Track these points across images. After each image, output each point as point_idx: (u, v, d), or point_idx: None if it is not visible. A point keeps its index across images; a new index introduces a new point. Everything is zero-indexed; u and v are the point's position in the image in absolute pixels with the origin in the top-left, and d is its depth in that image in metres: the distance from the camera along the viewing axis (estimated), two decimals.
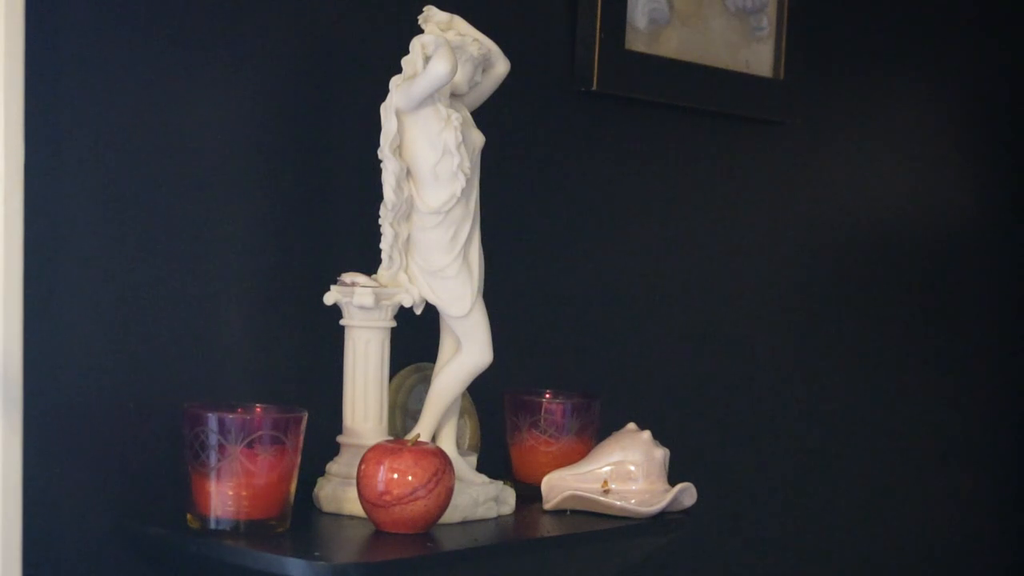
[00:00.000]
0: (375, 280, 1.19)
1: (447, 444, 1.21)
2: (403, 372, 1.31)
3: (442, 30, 1.19)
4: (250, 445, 1.08)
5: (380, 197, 1.18)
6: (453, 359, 1.21)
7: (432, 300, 1.20)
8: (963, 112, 2.19)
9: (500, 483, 1.24)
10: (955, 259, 2.19)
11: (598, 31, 1.55)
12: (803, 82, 1.81)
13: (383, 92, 1.17)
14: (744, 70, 1.74)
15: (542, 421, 1.33)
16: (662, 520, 1.26)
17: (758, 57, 1.76)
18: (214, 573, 1.13)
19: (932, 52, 2.11)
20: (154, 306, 1.20)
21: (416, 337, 1.24)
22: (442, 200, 1.17)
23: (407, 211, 1.18)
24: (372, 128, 1.17)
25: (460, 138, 1.16)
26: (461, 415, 1.28)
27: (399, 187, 1.17)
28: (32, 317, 1.10)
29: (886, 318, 2.07)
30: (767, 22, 1.77)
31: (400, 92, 1.16)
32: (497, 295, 1.25)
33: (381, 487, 1.10)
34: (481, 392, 1.29)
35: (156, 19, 1.19)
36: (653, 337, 1.68)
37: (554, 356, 1.56)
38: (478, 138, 1.20)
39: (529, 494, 1.29)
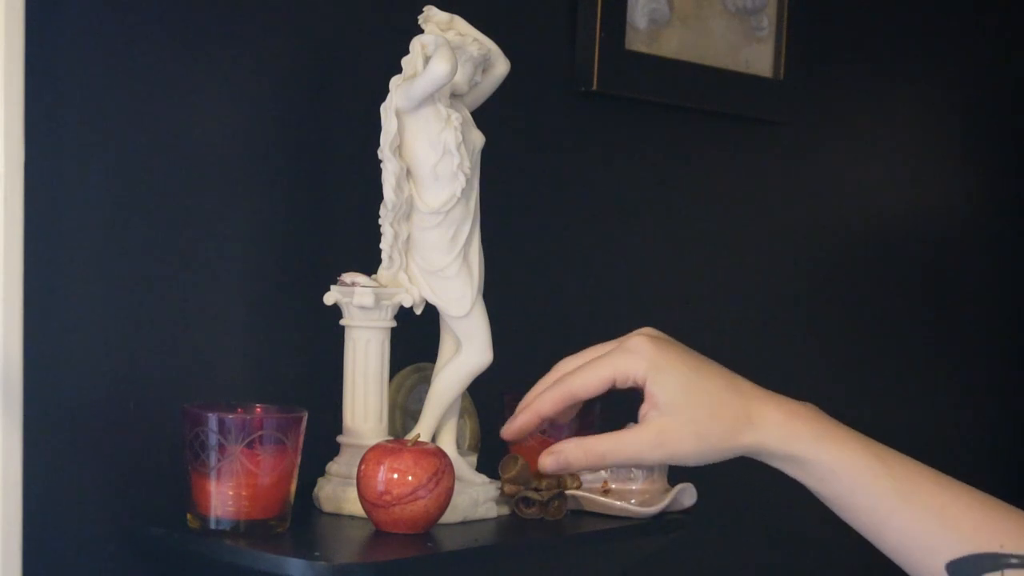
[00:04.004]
0: (375, 280, 1.19)
1: (447, 444, 1.21)
2: (403, 372, 1.31)
3: (442, 30, 1.19)
4: (250, 445, 1.08)
5: (380, 197, 1.18)
6: (453, 359, 1.21)
7: (432, 300, 1.20)
8: (963, 112, 2.19)
9: (500, 483, 1.24)
10: (955, 259, 2.19)
11: (598, 31, 1.55)
12: (803, 82, 1.81)
13: (383, 92, 1.16)
14: (744, 70, 1.74)
15: None
16: (662, 520, 1.26)
17: (758, 57, 1.76)
18: (214, 573, 1.13)
19: (932, 52, 2.11)
20: (154, 306, 1.20)
21: (416, 337, 1.24)
22: (442, 200, 1.17)
23: (407, 211, 1.18)
24: (372, 128, 1.17)
25: (460, 138, 1.16)
26: (461, 415, 1.27)
27: (399, 187, 1.17)
28: (32, 317, 1.10)
29: (886, 318, 2.07)
30: (767, 22, 1.77)
31: (400, 92, 1.16)
32: (497, 295, 1.25)
33: (381, 487, 1.10)
34: (481, 392, 1.29)
35: (156, 19, 1.19)
36: None
37: (554, 356, 1.55)
38: (478, 138, 1.20)
39: None
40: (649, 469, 1.27)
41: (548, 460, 1.11)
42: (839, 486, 1.03)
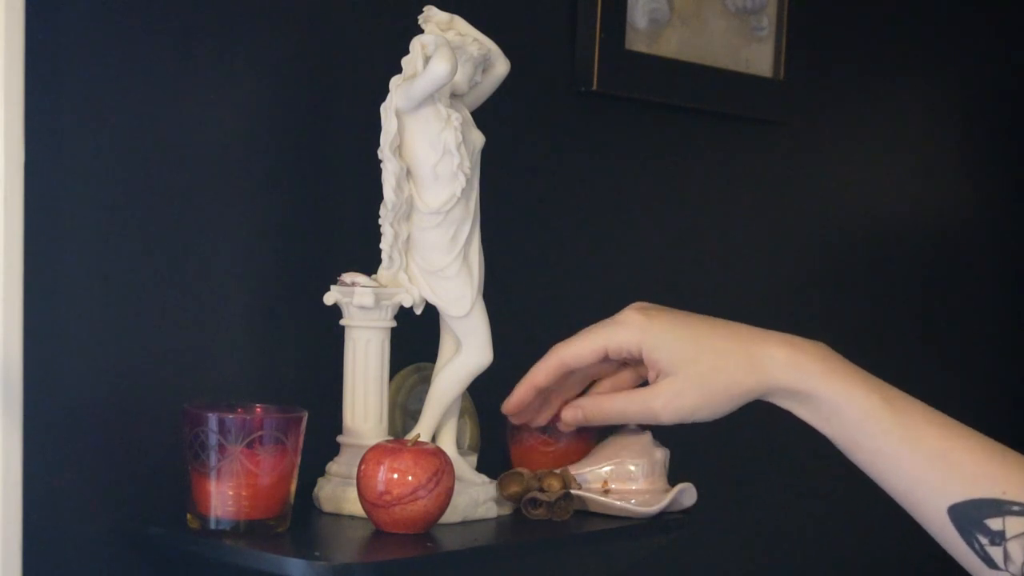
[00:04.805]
0: (375, 280, 1.19)
1: (447, 444, 1.21)
2: (403, 372, 1.31)
3: (442, 30, 1.19)
4: (250, 445, 1.08)
5: (380, 197, 1.18)
6: (453, 359, 1.21)
7: (432, 300, 1.20)
8: (963, 112, 2.19)
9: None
10: (955, 259, 2.19)
11: (598, 31, 1.55)
12: (803, 82, 1.81)
13: (383, 92, 1.17)
14: (744, 70, 1.74)
15: None
16: (662, 520, 1.26)
17: (758, 57, 1.76)
18: (214, 573, 1.13)
19: (932, 52, 2.11)
20: (154, 306, 1.20)
21: (416, 337, 1.24)
22: (442, 200, 1.17)
23: (407, 211, 1.18)
24: (372, 128, 1.17)
25: (460, 138, 1.16)
26: (461, 415, 1.27)
27: (399, 187, 1.17)
28: (32, 317, 1.10)
29: (886, 318, 2.07)
30: (767, 22, 1.77)
31: (400, 92, 1.16)
32: (497, 295, 1.25)
33: (381, 487, 1.10)
34: (481, 392, 1.29)
35: (157, 19, 1.19)
36: None
37: None
38: (478, 138, 1.20)
39: None
40: (650, 469, 1.27)
41: (568, 413, 1.18)
42: (844, 425, 1.04)
